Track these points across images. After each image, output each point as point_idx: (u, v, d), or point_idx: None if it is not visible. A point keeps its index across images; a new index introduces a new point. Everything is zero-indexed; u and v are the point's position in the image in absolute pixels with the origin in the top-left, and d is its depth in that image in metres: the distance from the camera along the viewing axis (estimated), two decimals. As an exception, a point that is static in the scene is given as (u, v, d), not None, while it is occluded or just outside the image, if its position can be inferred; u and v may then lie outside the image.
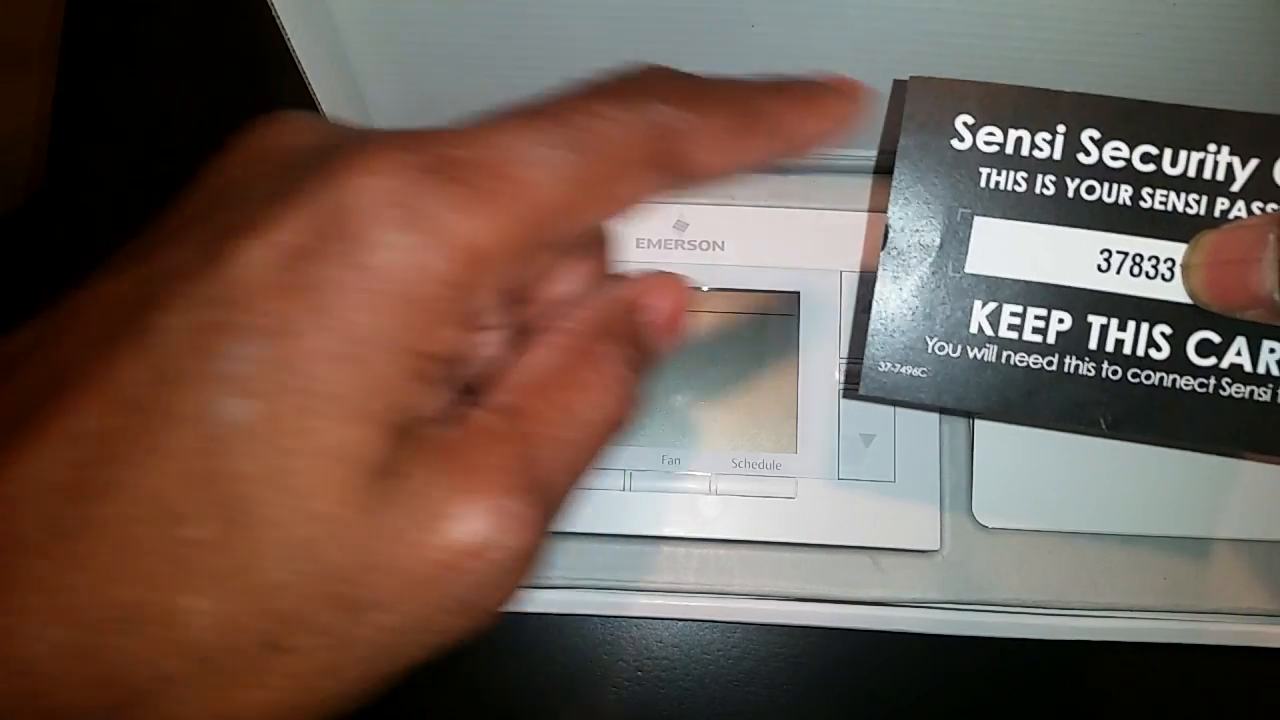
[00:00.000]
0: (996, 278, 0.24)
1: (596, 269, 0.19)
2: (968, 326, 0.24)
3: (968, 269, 0.24)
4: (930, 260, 0.24)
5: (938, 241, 0.24)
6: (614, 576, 0.30)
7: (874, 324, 0.24)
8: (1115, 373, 0.23)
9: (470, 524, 0.14)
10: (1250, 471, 0.30)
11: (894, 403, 0.24)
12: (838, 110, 0.18)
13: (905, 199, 0.24)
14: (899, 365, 0.24)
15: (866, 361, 0.24)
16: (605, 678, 0.34)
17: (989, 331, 0.24)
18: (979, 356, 0.24)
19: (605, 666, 0.34)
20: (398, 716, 0.34)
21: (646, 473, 0.30)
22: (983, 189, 0.23)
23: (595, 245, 0.20)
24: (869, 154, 0.31)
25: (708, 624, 0.34)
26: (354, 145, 0.14)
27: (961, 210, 0.23)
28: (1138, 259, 0.23)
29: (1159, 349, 0.23)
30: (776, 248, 0.32)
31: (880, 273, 0.24)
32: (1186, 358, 0.23)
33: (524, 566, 0.15)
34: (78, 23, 0.40)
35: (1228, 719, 0.33)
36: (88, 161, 0.40)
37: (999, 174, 0.23)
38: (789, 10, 0.26)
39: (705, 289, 0.32)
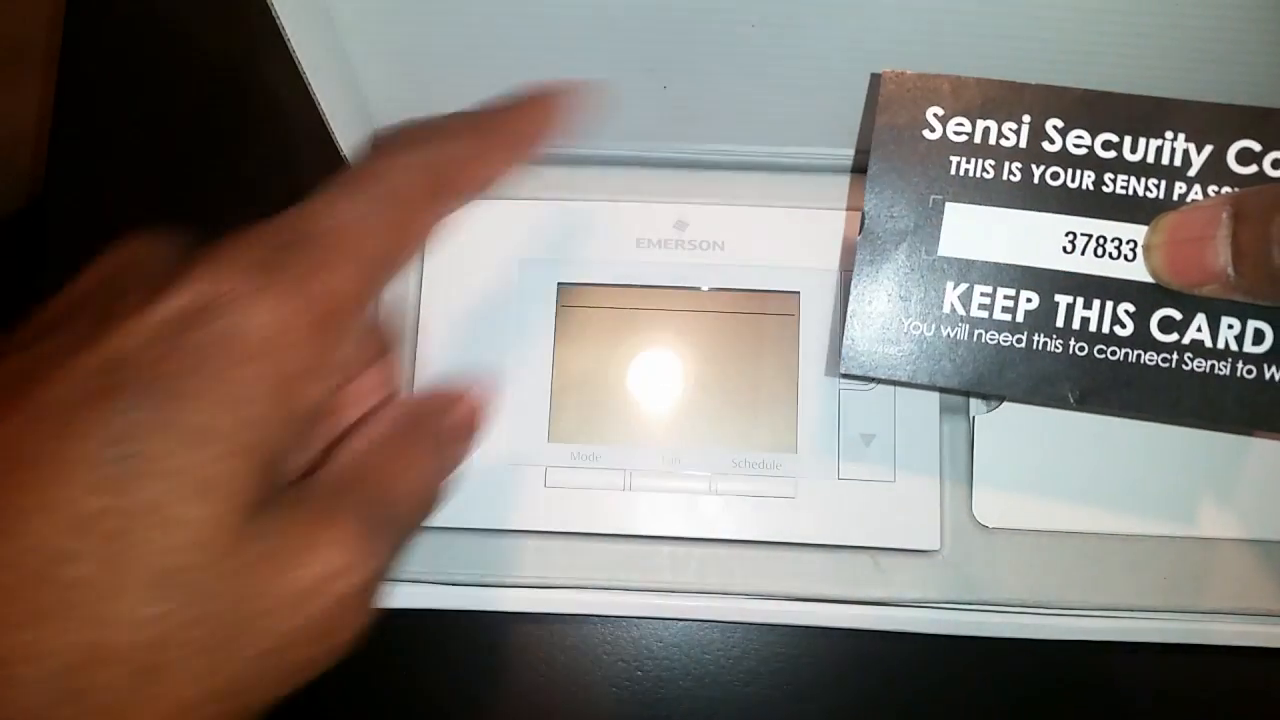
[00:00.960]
0: (967, 260, 0.25)
1: (390, 374, 0.23)
2: (941, 306, 0.25)
3: (940, 252, 0.25)
4: (904, 244, 0.25)
5: (911, 227, 0.25)
6: (614, 576, 0.30)
7: (852, 305, 0.25)
8: (1082, 349, 0.24)
9: (327, 556, 0.17)
10: (1250, 471, 0.30)
11: (873, 379, 0.26)
12: (555, 108, 0.22)
13: (880, 187, 0.25)
14: (877, 344, 0.25)
15: (846, 341, 0.25)
16: (605, 678, 0.34)
17: (961, 311, 0.25)
18: (952, 335, 0.25)
19: (605, 666, 0.34)
20: (398, 716, 0.34)
21: (646, 473, 0.30)
22: (953, 176, 0.25)
23: (385, 351, 0.24)
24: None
25: (708, 624, 0.34)
26: (209, 248, 0.18)
27: (933, 197, 0.25)
28: (1101, 240, 0.24)
29: (1123, 326, 0.24)
30: (776, 248, 0.32)
31: (857, 257, 0.25)
32: (1150, 334, 0.24)
33: (367, 599, 0.18)
34: (78, 23, 0.40)
35: (1228, 719, 0.33)
36: (88, 161, 0.40)
37: (968, 162, 0.25)
38: (789, 10, 0.26)
39: (705, 289, 0.32)
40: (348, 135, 0.30)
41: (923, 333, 0.25)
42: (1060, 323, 0.24)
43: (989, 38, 0.26)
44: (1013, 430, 0.30)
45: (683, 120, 0.31)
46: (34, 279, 0.39)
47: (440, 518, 0.30)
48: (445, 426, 0.22)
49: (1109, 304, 0.24)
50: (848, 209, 0.32)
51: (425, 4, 0.27)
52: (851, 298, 0.25)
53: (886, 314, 0.25)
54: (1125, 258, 0.24)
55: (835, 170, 0.32)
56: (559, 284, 0.32)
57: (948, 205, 0.25)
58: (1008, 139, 0.24)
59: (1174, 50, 0.27)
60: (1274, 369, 0.24)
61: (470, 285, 0.32)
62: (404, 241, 0.19)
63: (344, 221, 0.18)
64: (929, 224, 0.25)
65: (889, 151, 0.25)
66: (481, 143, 0.21)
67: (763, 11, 0.26)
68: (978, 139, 0.25)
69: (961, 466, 0.31)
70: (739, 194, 0.32)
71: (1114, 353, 0.24)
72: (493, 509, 0.30)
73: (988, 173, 0.24)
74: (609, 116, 0.30)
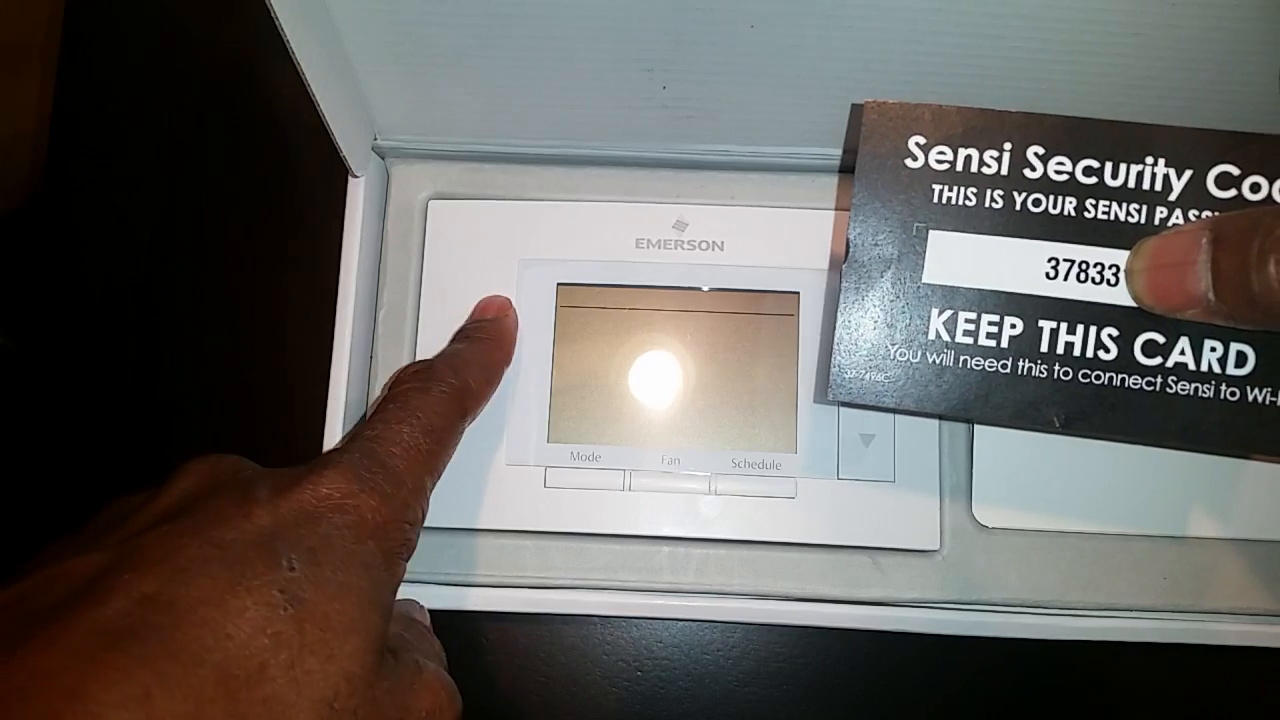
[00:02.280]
0: (952, 287, 0.25)
1: None
2: (926, 333, 0.25)
3: (924, 279, 0.25)
4: (889, 272, 0.25)
5: (896, 254, 0.25)
6: (614, 576, 0.30)
7: (839, 333, 0.25)
8: (1066, 373, 0.24)
9: (435, 692, 0.23)
10: (1250, 471, 0.30)
11: (861, 406, 0.26)
12: (505, 328, 0.31)
13: (864, 215, 0.25)
14: (863, 371, 0.25)
15: (833, 369, 0.25)
16: (605, 678, 0.34)
17: (946, 337, 0.25)
18: (938, 361, 0.25)
19: (605, 666, 0.34)
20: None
21: (646, 473, 0.30)
22: (936, 204, 0.25)
23: None
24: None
25: (708, 624, 0.34)
26: (311, 466, 0.23)
27: (917, 224, 0.25)
28: (1084, 266, 0.24)
29: (1107, 350, 0.24)
30: (776, 248, 0.32)
31: (843, 285, 0.25)
32: (1133, 358, 0.24)
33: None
34: (78, 23, 0.40)
35: (1228, 719, 0.34)
36: (88, 161, 0.40)
37: (950, 190, 0.25)
38: (788, 11, 0.26)
39: (705, 289, 0.32)
40: (347, 135, 0.30)
41: (909, 359, 0.25)
42: (1044, 348, 0.24)
43: (987, 37, 0.26)
44: (1012, 431, 0.30)
45: (683, 120, 0.31)
46: (34, 279, 0.39)
47: (440, 518, 0.31)
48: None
49: (1092, 328, 0.24)
50: (849, 209, 0.32)
51: (425, 5, 0.27)
52: (838, 325, 0.25)
53: (873, 341, 0.25)
54: (1108, 282, 0.24)
55: (835, 171, 0.32)
56: (559, 284, 0.32)
57: (931, 233, 0.25)
58: (989, 166, 0.25)
59: (1154, 76, 0.27)
60: (1256, 391, 0.24)
61: (470, 285, 0.32)
62: (447, 450, 0.26)
63: (404, 447, 0.24)
64: (913, 251, 0.25)
65: (873, 180, 0.25)
66: (484, 376, 0.29)
67: (762, 12, 0.26)
68: (960, 167, 0.25)
69: (961, 467, 0.31)
70: (739, 194, 0.32)
71: (1098, 377, 0.24)
72: (493, 509, 0.30)
73: (970, 200, 0.25)
74: (609, 117, 0.31)
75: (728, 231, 0.32)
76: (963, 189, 0.25)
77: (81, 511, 0.35)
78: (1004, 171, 0.25)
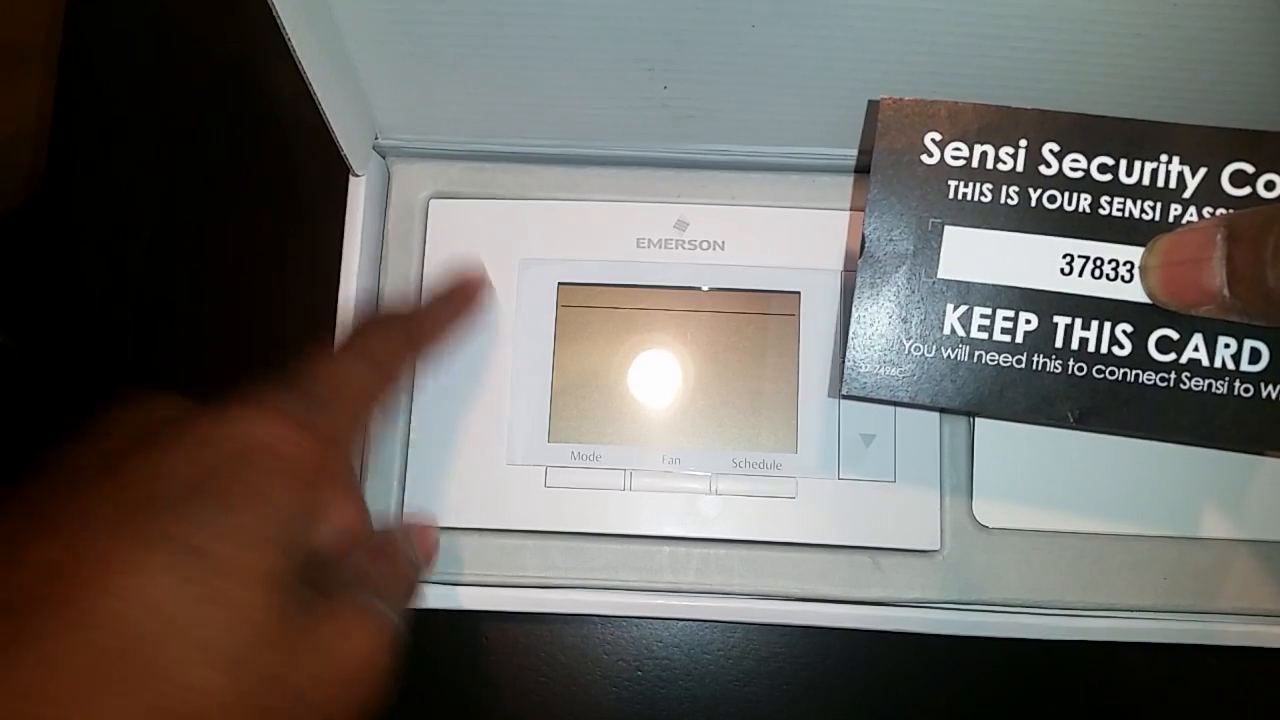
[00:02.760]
0: (967, 282, 0.25)
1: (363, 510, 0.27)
2: (941, 328, 0.25)
3: (940, 274, 0.25)
4: (905, 267, 0.25)
5: (911, 250, 0.25)
6: (614, 576, 0.30)
7: (854, 327, 0.25)
8: (1081, 369, 0.24)
9: (364, 634, 0.22)
10: (1251, 471, 0.30)
11: (876, 401, 0.26)
12: (464, 299, 0.30)
13: (880, 211, 0.25)
14: (878, 366, 0.25)
15: (848, 363, 0.25)
16: (605, 678, 0.34)
17: (961, 332, 0.25)
18: (953, 356, 0.25)
19: (605, 666, 0.34)
20: (398, 716, 0.34)
21: (647, 472, 0.30)
22: (952, 200, 0.25)
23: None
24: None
25: (708, 624, 0.34)
26: (235, 401, 0.23)
27: (933, 220, 0.25)
28: (1098, 262, 0.24)
29: (1121, 346, 0.24)
30: (776, 248, 0.32)
31: (859, 280, 0.25)
32: (1148, 354, 0.24)
33: (388, 662, 0.22)
34: (78, 23, 0.40)
35: (1228, 719, 0.34)
36: (88, 161, 0.40)
37: (966, 186, 0.25)
38: (789, 10, 0.26)
39: (705, 289, 0.32)
40: (348, 134, 0.30)
41: (924, 354, 0.25)
42: (1059, 343, 0.25)
43: (988, 37, 0.26)
44: (1013, 430, 0.30)
45: (683, 120, 0.31)
46: (34, 279, 0.39)
47: (441, 518, 0.31)
48: (413, 553, 0.28)
49: (1107, 324, 0.24)
50: (850, 209, 0.32)
51: (426, 5, 0.27)
52: (853, 320, 0.25)
53: (888, 336, 0.25)
54: (1122, 279, 0.24)
55: (836, 170, 0.32)
56: (559, 284, 0.32)
57: (947, 229, 0.25)
58: (1005, 163, 0.25)
59: (1169, 74, 0.27)
60: (1270, 387, 0.24)
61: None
62: (385, 387, 0.26)
63: (341, 379, 0.24)
64: (929, 247, 0.25)
65: (888, 176, 0.25)
66: (438, 308, 0.29)
67: (763, 11, 0.26)
68: (975, 163, 0.25)
69: (961, 467, 0.31)
70: (739, 194, 0.32)
71: (1112, 373, 0.24)
72: (493, 509, 0.30)
73: (986, 196, 0.25)
74: (610, 116, 0.31)
75: (729, 231, 0.32)
76: (978, 185, 0.25)
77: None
78: (1019, 168, 0.25)
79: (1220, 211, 0.24)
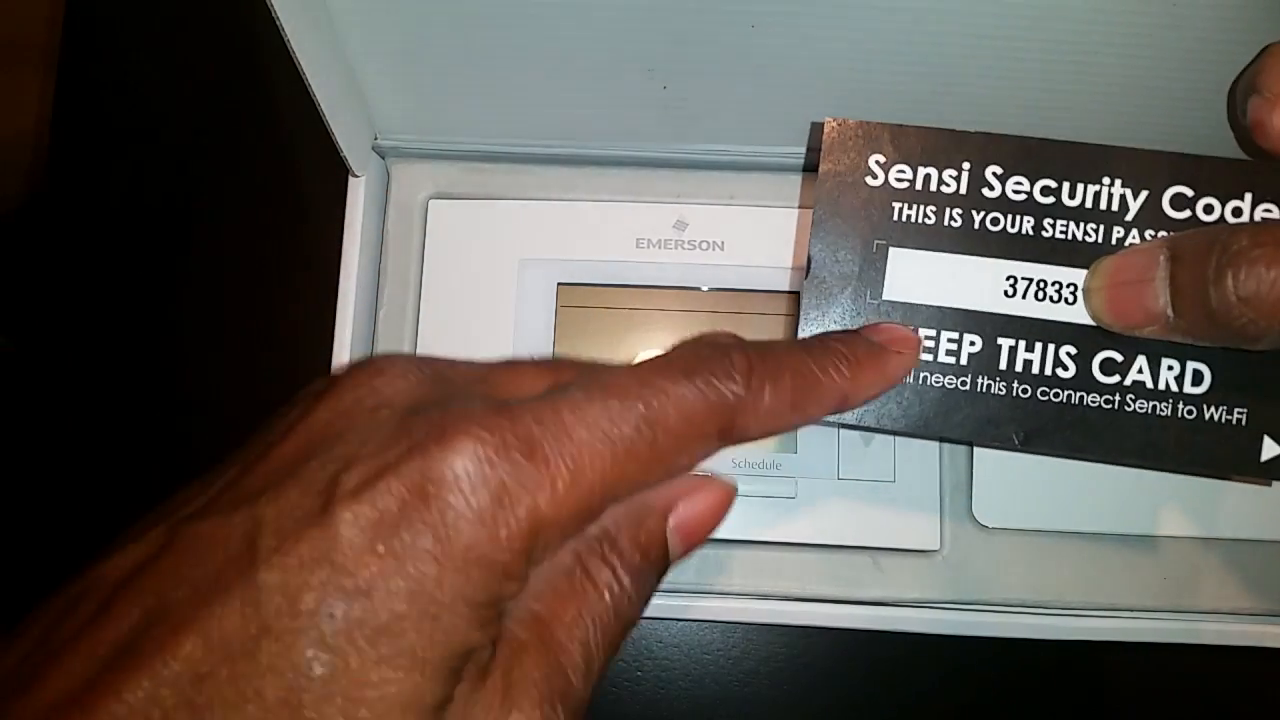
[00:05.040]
0: (911, 304, 0.25)
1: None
2: None
3: (885, 296, 0.25)
4: (850, 289, 0.25)
5: (856, 271, 0.25)
6: (614, 576, 0.30)
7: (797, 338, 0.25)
8: (1025, 390, 0.24)
9: None
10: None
11: (824, 424, 0.24)
12: (891, 370, 0.23)
13: (825, 232, 0.25)
14: None
15: None
16: (605, 678, 0.34)
17: None
18: None
19: (605, 666, 0.34)
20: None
21: (646, 473, 0.30)
22: (896, 222, 0.25)
23: None
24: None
25: (708, 624, 0.34)
26: (441, 416, 0.17)
27: (877, 241, 0.25)
28: (1042, 284, 0.24)
29: (1065, 368, 0.24)
30: (776, 248, 0.32)
31: (803, 301, 0.25)
32: (1092, 376, 0.24)
33: None
34: (78, 23, 0.40)
35: (1228, 719, 0.34)
36: (88, 161, 0.40)
37: (910, 208, 0.25)
38: (788, 10, 0.26)
39: (705, 289, 0.32)
40: (347, 134, 0.30)
41: None
42: (1003, 365, 0.24)
43: (988, 37, 0.26)
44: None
45: (683, 120, 0.31)
46: (34, 279, 0.39)
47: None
48: (660, 531, 0.20)
49: (1051, 346, 0.24)
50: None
51: (425, 5, 0.27)
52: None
53: None
54: (1065, 301, 0.24)
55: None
56: (559, 284, 0.32)
57: (891, 250, 0.25)
58: (948, 185, 0.25)
59: (1113, 98, 0.28)
60: (1213, 409, 0.24)
61: (470, 285, 0.32)
62: (650, 474, 0.18)
63: (594, 438, 0.17)
64: (874, 268, 0.25)
65: (833, 197, 0.25)
66: (792, 397, 0.20)
67: (762, 11, 0.26)
68: (919, 185, 0.25)
69: (961, 466, 0.31)
70: (739, 194, 0.32)
71: (1057, 394, 0.24)
72: (493, 509, 0.30)
73: (929, 218, 0.25)
74: (610, 116, 0.31)
75: (728, 231, 0.32)
76: (922, 207, 0.25)
77: (81, 510, 0.35)
78: (963, 190, 0.25)
79: (1162, 234, 0.24)
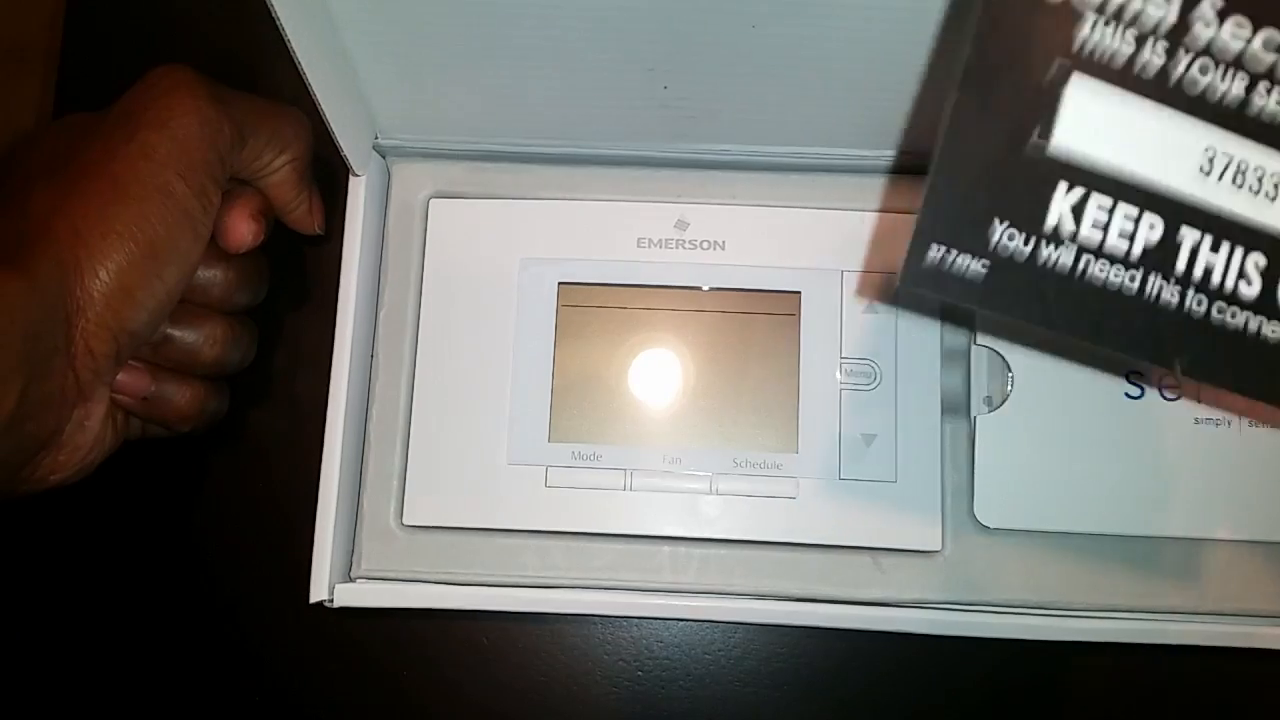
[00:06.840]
0: (1087, 158, 0.20)
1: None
2: (1044, 218, 0.20)
3: (1054, 139, 0.19)
4: (1009, 123, 0.19)
5: (1025, 93, 0.19)
6: (614, 576, 0.30)
7: (930, 181, 0.19)
8: (1199, 304, 0.20)
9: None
10: (1253, 473, 0.30)
11: (942, 297, 0.20)
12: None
13: (991, 28, 0.19)
14: (953, 250, 0.20)
15: (914, 239, 0.20)
16: (605, 678, 0.34)
17: (1070, 227, 0.20)
18: (1050, 260, 0.20)
19: (605, 666, 0.34)
20: (398, 716, 0.34)
21: (647, 472, 0.30)
22: (1085, 37, 0.19)
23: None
24: (874, 154, 0.31)
25: (708, 624, 0.34)
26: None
27: (1059, 60, 0.19)
28: (1242, 168, 0.19)
29: (1249, 282, 0.20)
30: (776, 248, 0.32)
31: (945, 130, 0.19)
32: (1276, 301, 0.20)
33: None
34: (78, 23, 0.40)
35: (1227, 719, 0.33)
36: (88, 161, 0.40)
37: (1106, 24, 0.19)
38: (789, 10, 0.26)
39: (706, 289, 0.32)
40: (348, 134, 0.30)
41: (1016, 247, 0.20)
42: (1181, 265, 0.20)
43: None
44: (1014, 430, 0.30)
45: (683, 120, 0.31)
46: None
47: (441, 518, 0.31)
48: None
49: (1238, 251, 0.20)
50: (850, 209, 0.32)
51: (425, 4, 0.27)
52: (931, 172, 0.20)
53: (973, 207, 0.20)
54: (1267, 195, 0.19)
55: (837, 170, 0.32)
56: (559, 284, 0.32)
57: (1074, 76, 0.19)
58: (1157, 6, 0.19)
59: None
60: None
61: (471, 285, 0.32)
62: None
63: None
64: (1047, 97, 0.19)
65: (1000, 3, 0.19)
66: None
67: (762, 11, 0.26)
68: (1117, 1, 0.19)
69: (962, 467, 0.31)
70: (739, 194, 0.32)
71: (1234, 316, 0.20)
72: (493, 509, 0.30)
73: (1127, 45, 0.19)
74: (610, 116, 0.31)
75: (729, 231, 0.32)
76: (1120, 29, 0.19)
77: (81, 510, 0.35)
78: (1172, 18, 0.19)
79: None
